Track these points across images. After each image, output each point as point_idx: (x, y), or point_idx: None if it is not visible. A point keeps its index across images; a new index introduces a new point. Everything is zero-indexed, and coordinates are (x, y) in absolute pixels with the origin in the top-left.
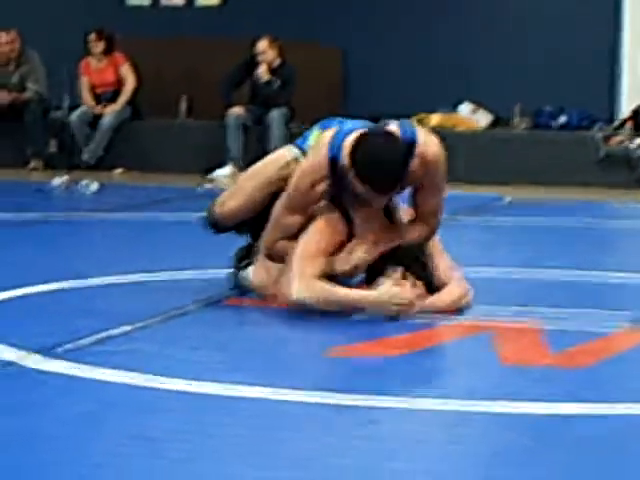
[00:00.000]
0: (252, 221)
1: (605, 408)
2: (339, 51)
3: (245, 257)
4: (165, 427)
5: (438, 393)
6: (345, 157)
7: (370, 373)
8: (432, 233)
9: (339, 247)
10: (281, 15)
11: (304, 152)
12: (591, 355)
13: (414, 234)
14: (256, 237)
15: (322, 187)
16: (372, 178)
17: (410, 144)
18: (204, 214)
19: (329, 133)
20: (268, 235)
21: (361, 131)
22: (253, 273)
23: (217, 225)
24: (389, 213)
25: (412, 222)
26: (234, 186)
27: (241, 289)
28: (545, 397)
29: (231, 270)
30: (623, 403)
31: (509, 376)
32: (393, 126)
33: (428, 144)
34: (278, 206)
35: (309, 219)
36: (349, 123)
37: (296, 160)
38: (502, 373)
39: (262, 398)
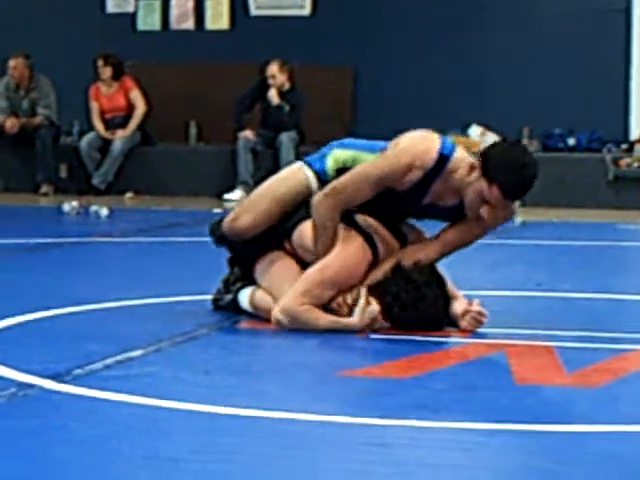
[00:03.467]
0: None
1: (622, 427)
2: (350, 70)
3: (234, 282)
4: (180, 449)
5: (453, 415)
6: (473, 162)
7: (384, 395)
8: (446, 256)
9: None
10: (291, 38)
11: (319, 176)
12: (607, 374)
13: (431, 253)
14: (246, 270)
15: (416, 175)
16: (513, 183)
17: None
18: (210, 227)
19: (433, 133)
20: (330, 197)
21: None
22: (253, 296)
23: (223, 239)
24: (399, 233)
25: (417, 242)
26: (246, 202)
27: (239, 312)
28: (561, 417)
29: (228, 295)
30: (638, 424)
31: (525, 396)
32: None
33: None
34: (357, 171)
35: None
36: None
37: (310, 183)
38: (518, 393)
39: (276, 419)
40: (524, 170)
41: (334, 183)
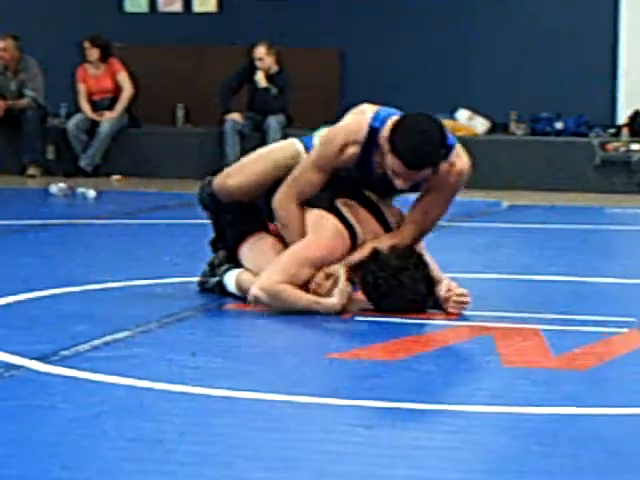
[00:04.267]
0: (240, 212)
1: (607, 410)
2: (337, 52)
3: (219, 265)
4: (165, 430)
5: (440, 397)
6: (386, 130)
7: (370, 378)
8: (422, 236)
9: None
10: (278, 20)
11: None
12: (593, 358)
13: (406, 237)
14: (230, 252)
15: (353, 150)
16: (407, 149)
17: (449, 146)
18: (200, 187)
19: (373, 106)
20: (283, 192)
21: (408, 113)
22: (239, 278)
23: (212, 196)
24: (381, 215)
25: (401, 225)
26: (238, 164)
27: (225, 294)
28: (548, 400)
29: (214, 278)
30: (624, 407)
31: (512, 379)
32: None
33: (460, 155)
34: (302, 162)
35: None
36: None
37: (301, 156)
38: (505, 376)
39: (263, 401)
40: (421, 135)
41: (289, 176)
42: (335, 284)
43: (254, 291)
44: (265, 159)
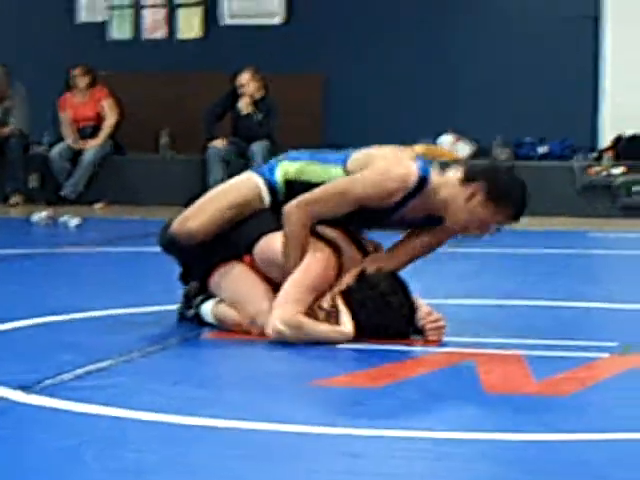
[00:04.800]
0: (204, 252)
1: (591, 435)
2: (321, 78)
3: (195, 296)
4: (146, 460)
5: (423, 424)
6: (439, 178)
7: (354, 405)
8: (408, 264)
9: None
10: (262, 47)
11: (269, 185)
12: (575, 383)
13: (400, 262)
14: (203, 282)
15: (397, 198)
16: (516, 206)
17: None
18: (160, 231)
19: (409, 152)
20: (301, 207)
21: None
22: (216, 310)
23: (173, 243)
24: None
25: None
26: (196, 206)
27: (203, 324)
28: (530, 426)
29: (190, 310)
30: (607, 432)
31: (494, 405)
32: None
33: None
34: (334, 185)
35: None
36: (337, 153)
37: (261, 191)
38: (487, 402)
39: (244, 430)
40: (524, 192)
41: (307, 195)
42: (333, 308)
43: (277, 327)
44: (222, 200)
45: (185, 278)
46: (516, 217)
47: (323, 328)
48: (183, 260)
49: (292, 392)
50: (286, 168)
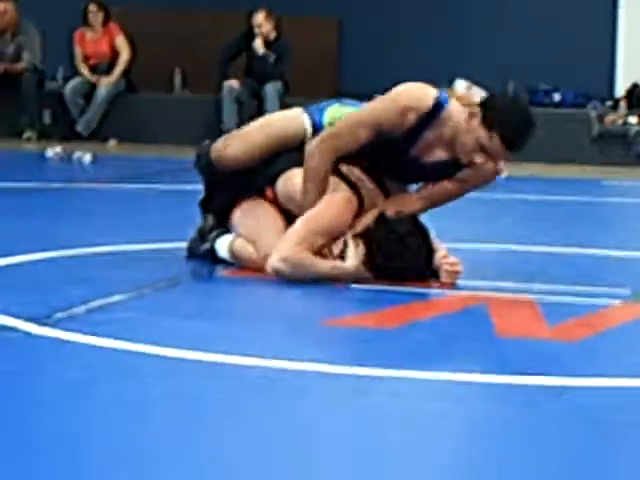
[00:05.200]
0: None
1: (599, 381)
2: (336, 20)
3: (210, 231)
4: (152, 394)
5: (434, 365)
6: (462, 107)
7: (365, 345)
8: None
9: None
10: None
11: (315, 127)
12: (587, 328)
13: (405, 206)
14: (219, 217)
15: (412, 117)
16: (518, 135)
17: None
18: (198, 151)
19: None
20: (321, 143)
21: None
22: (232, 244)
23: (209, 165)
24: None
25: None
26: (239, 133)
27: (216, 261)
28: (541, 370)
29: (205, 244)
30: (615, 378)
31: (505, 349)
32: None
33: None
34: (347, 117)
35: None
36: None
37: (305, 131)
38: (498, 345)
39: (256, 366)
40: (526, 122)
41: (329, 129)
42: (342, 253)
43: (274, 263)
44: (267, 132)
45: (205, 205)
46: (511, 143)
47: (323, 265)
48: (210, 185)
49: (303, 330)
50: (334, 112)
